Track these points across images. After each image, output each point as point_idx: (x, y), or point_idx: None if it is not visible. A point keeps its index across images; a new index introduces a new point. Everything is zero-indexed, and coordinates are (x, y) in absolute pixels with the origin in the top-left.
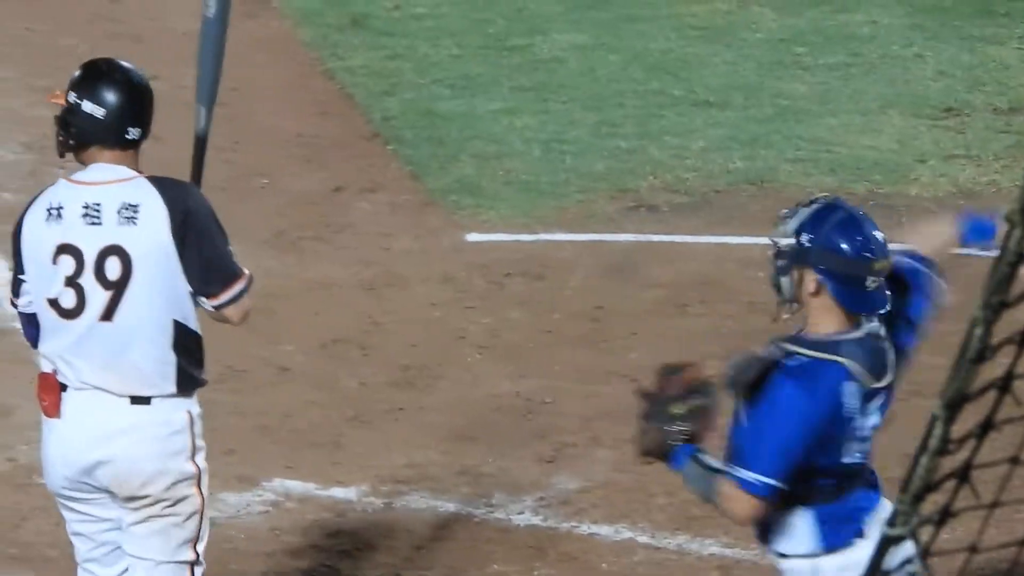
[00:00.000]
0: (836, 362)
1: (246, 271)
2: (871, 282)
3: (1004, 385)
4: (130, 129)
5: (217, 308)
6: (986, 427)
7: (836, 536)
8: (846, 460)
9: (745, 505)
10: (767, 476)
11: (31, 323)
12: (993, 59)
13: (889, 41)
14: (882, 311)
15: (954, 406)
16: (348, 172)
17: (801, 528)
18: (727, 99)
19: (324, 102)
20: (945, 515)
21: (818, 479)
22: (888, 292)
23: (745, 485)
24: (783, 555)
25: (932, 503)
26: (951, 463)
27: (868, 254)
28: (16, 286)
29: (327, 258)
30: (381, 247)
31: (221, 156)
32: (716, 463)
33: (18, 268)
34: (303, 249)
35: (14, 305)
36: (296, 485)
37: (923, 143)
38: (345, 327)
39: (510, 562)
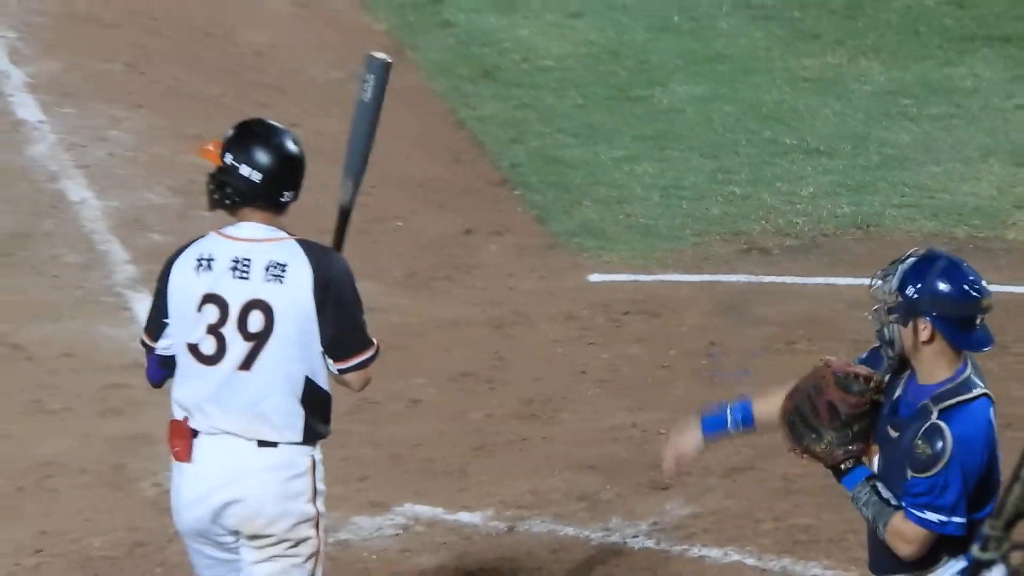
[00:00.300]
0: (982, 396)
1: (375, 342)
2: (980, 320)
3: None
4: (285, 193)
5: (341, 372)
6: None
7: (968, 567)
8: (993, 490)
9: (919, 541)
10: (954, 517)
11: (162, 365)
12: None
13: (990, 93)
14: (990, 347)
15: None
16: (477, 216)
17: (947, 560)
18: (836, 148)
19: (455, 149)
20: None
21: (978, 512)
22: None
23: (930, 526)
24: None
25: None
26: None
27: (976, 294)
28: (151, 326)
29: (457, 297)
30: (507, 287)
31: (359, 200)
32: (891, 496)
33: (161, 311)
34: (434, 288)
35: (144, 344)
36: (425, 510)
37: (1021, 190)
38: (473, 362)
39: None
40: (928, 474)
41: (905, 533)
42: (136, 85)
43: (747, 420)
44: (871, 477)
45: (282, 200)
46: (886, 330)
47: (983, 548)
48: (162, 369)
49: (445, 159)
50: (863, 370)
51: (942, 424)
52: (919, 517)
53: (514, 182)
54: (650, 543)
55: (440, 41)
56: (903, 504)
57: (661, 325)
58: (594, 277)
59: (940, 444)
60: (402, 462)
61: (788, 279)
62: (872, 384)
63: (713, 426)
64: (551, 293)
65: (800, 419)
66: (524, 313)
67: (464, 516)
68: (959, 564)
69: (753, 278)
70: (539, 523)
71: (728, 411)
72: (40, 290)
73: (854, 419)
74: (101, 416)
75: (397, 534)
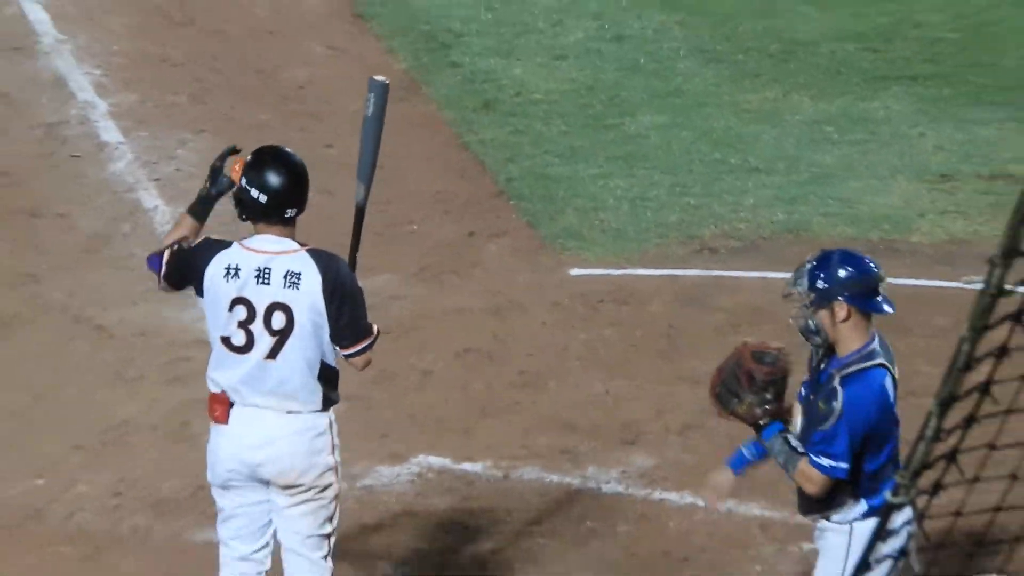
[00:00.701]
0: (878, 366)
1: (375, 329)
2: (882, 289)
3: (985, 389)
4: (288, 210)
5: (347, 356)
6: (970, 421)
7: (874, 509)
8: (889, 446)
9: (818, 482)
10: (842, 463)
11: (167, 263)
12: (979, 137)
13: (899, 123)
14: (893, 310)
15: (946, 404)
16: (479, 221)
17: (850, 503)
18: (772, 167)
19: (461, 167)
20: (936, 488)
21: (871, 463)
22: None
23: (822, 469)
24: (829, 520)
25: (927, 478)
26: (942, 448)
27: (873, 268)
28: (173, 275)
29: (461, 288)
30: (504, 280)
31: (380, 209)
32: (799, 444)
33: (186, 278)
34: (443, 281)
35: (157, 270)
36: (436, 460)
37: (923, 202)
38: (475, 341)
39: (598, 520)
40: (823, 427)
41: (807, 474)
42: (198, 113)
43: (758, 449)
44: (783, 431)
45: (287, 216)
46: (810, 322)
47: (894, 494)
48: (166, 270)
49: (452, 175)
50: (775, 344)
51: (839, 387)
52: (815, 461)
53: (509, 194)
54: (620, 488)
55: (449, 79)
56: (807, 451)
57: (630, 311)
58: (575, 272)
59: (834, 403)
60: (417, 422)
61: (733, 274)
62: (782, 354)
63: (737, 464)
64: (540, 285)
65: (725, 389)
66: (517, 301)
67: (468, 466)
68: (859, 508)
69: (705, 273)
70: (529, 471)
71: (743, 449)
72: (119, 281)
73: (769, 384)
74: (168, 383)
75: (412, 481)
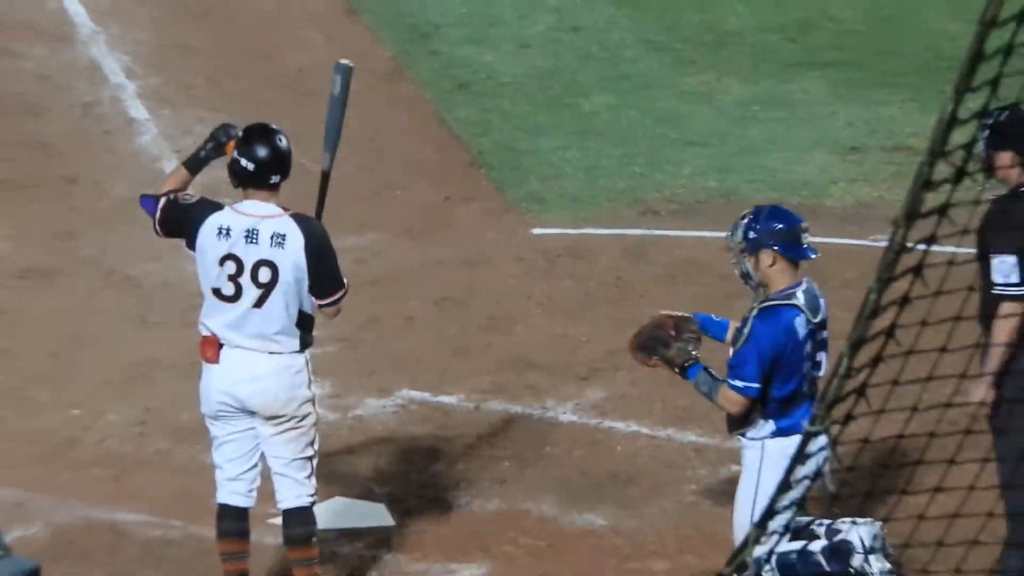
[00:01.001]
0: (790, 305)
1: (345, 283)
2: (805, 239)
3: (889, 333)
4: (272, 177)
5: (321, 307)
6: (876, 360)
7: (782, 430)
8: (797, 378)
9: (736, 402)
10: (752, 382)
11: (163, 211)
12: (883, 115)
13: (814, 103)
14: (816, 256)
15: (856, 346)
16: (454, 187)
17: (760, 423)
18: (706, 140)
19: (438, 141)
20: (848, 418)
21: (778, 389)
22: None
23: (738, 389)
24: (746, 438)
25: (839, 410)
26: (853, 384)
27: (796, 220)
28: (168, 223)
29: (439, 244)
30: (475, 238)
31: (368, 175)
32: (717, 375)
33: (182, 228)
34: (424, 239)
35: (153, 201)
36: (416, 394)
37: (835, 171)
38: (451, 290)
39: (556, 445)
40: (736, 351)
41: (727, 396)
42: (213, 94)
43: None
44: (705, 369)
45: (271, 182)
46: (743, 266)
47: (811, 423)
48: (160, 215)
49: (431, 147)
50: (690, 318)
51: (752, 317)
52: (731, 384)
53: (480, 164)
54: (574, 418)
55: (429, 64)
56: (726, 378)
57: (583, 265)
58: (536, 231)
59: (747, 330)
60: (400, 361)
61: (672, 233)
62: (694, 322)
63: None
64: (506, 242)
65: (652, 340)
66: (487, 256)
67: (444, 398)
68: (769, 427)
69: (648, 232)
70: (496, 404)
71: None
72: (146, 239)
73: (692, 339)
74: (186, 327)
75: (396, 411)
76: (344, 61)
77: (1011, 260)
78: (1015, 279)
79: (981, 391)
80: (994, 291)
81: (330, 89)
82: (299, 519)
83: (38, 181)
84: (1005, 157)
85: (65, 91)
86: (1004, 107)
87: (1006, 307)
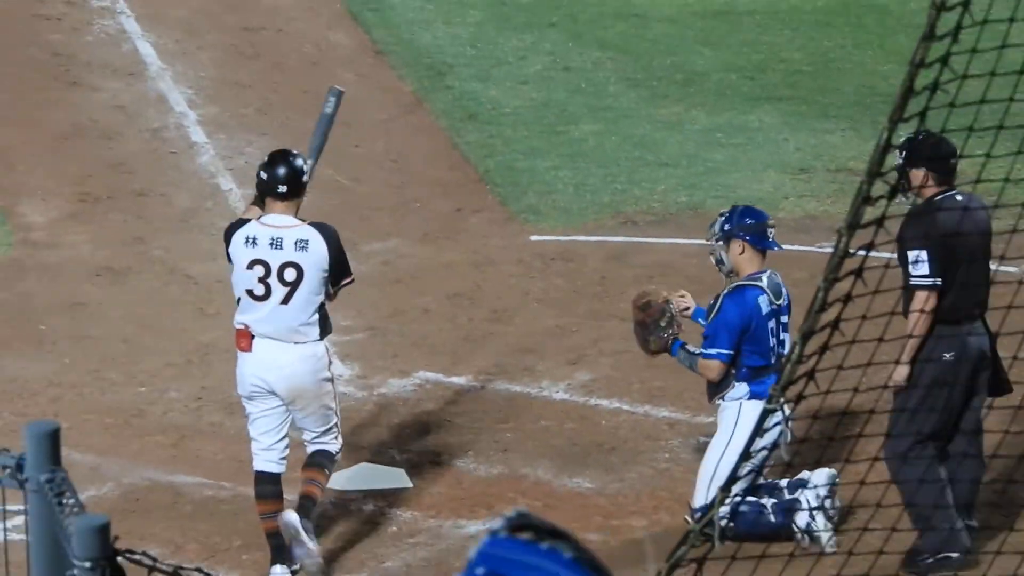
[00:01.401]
0: (755, 285)
1: (352, 273)
2: (771, 233)
3: (835, 325)
4: (280, 187)
5: (333, 292)
6: (824, 348)
7: (756, 394)
8: (764, 348)
9: (713, 368)
10: (724, 349)
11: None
12: (827, 142)
13: (769, 131)
14: (779, 248)
15: (806, 336)
16: (464, 201)
17: (736, 386)
18: (677, 162)
19: (451, 162)
20: (800, 398)
21: (748, 357)
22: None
23: (711, 356)
24: (724, 400)
25: (793, 391)
26: (804, 369)
27: (765, 217)
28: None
29: (452, 248)
30: (482, 243)
31: (393, 191)
32: (695, 349)
33: (227, 248)
34: (439, 243)
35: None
36: (431, 375)
37: (787, 188)
38: (461, 287)
39: (550, 420)
40: (708, 324)
41: (705, 364)
42: (263, 121)
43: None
44: (683, 345)
45: (280, 192)
46: (718, 255)
47: (768, 402)
48: None
49: (446, 167)
50: (644, 289)
51: (723, 296)
52: (706, 353)
53: (486, 181)
54: (566, 396)
55: (443, 97)
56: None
57: (573, 267)
58: (534, 237)
59: (716, 306)
60: (418, 346)
61: (649, 240)
62: (653, 293)
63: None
64: (508, 247)
65: (641, 339)
66: (492, 258)
67: (455, 379)
68: (744, 389)
69: (628, 239)
70: (500, 384)
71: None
72: (204, 243)
73: (658, 321)
74: None
75: (414, 390)
76: (337, 86)
77: (924, 255)
78: (925, 271)
79: (903, 373)
80: (909, 283)
81: (322, 108)
82: (319, 454)
83: (114, 194)
84: (918, 174)
85: (137, 119)
86: (917, 131)
87: (919, 297)
